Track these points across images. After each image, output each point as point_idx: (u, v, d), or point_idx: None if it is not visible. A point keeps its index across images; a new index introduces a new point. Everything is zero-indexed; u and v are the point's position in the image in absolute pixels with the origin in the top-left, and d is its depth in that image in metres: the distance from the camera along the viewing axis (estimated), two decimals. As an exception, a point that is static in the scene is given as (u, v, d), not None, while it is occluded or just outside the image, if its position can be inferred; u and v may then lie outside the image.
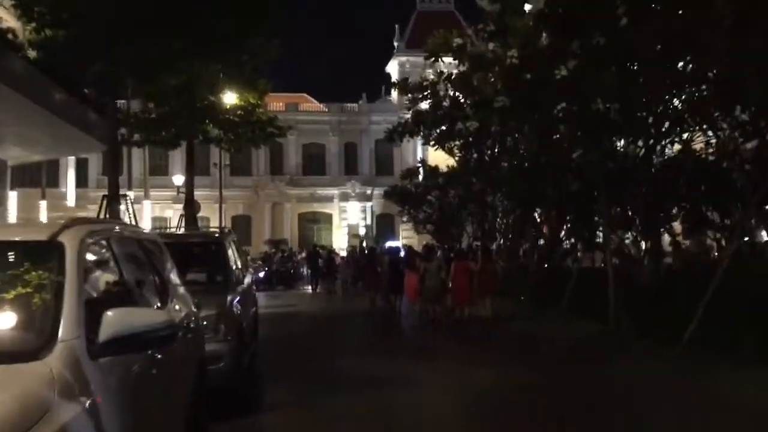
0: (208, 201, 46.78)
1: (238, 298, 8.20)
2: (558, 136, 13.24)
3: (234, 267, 8.81)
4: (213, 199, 46.36)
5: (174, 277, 5.26)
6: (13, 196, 55.74)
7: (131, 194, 35.62)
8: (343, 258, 31.57)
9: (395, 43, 60.02)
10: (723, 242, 13.72)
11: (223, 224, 54.58)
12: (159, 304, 4.21)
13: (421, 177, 29.45)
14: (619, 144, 12.86)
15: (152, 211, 43.48)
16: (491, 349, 12.88)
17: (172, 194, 44.11)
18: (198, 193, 50.76)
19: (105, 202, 15.89)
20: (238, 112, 26.85)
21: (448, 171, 28.30)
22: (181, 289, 5.36)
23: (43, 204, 44.32)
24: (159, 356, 3.45)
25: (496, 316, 15.97)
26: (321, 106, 60.14)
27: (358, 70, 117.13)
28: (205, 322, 6.94)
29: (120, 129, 26.98)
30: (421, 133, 19.93)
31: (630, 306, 12.41)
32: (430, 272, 16.07)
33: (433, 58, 17.78)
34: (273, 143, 55.97)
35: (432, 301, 16.17)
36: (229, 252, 8.71)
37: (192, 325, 4.92)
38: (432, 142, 18.95)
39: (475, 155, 19.44)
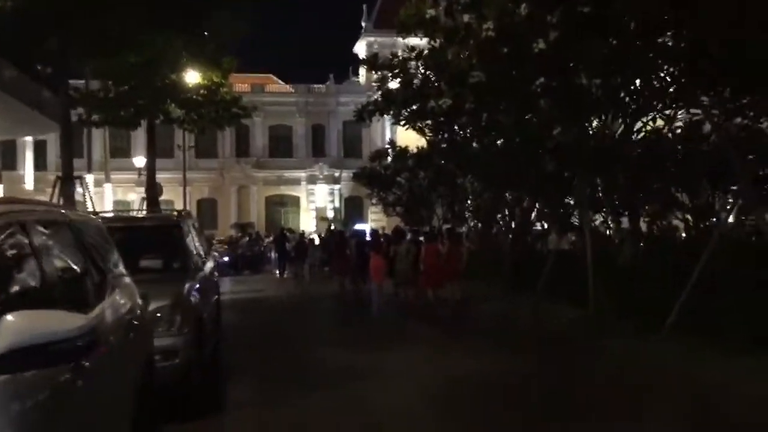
0: (173, 184, 45.60)
1: (196, 286, 7.53)
2: (535, 113, 12.68)
3: (193, 252, 8.12)
4: (177, 181, 45.17)
5: (117, 267, 4.59)
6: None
7: (90, 177, 34.48)
8: (312, 241, 30.94)
9: (363, 23, 58.97)
10: (690, 223, 13.49)
11: (187, 208, 53.64)
12: (93, 300, 3.54)
13: (390, 159, 28.79)
14: (598, 121, 12.38)
15: (114, 194, 42.20)
16: (467, 333, 12.40)
17: (134, 177, 42.88)
18: (162, 176, 49.59)
19: (58, 184, 14.99)
20: (201, 91, 25.87)
21: (418, 152, 27.75)
22: (126, 280, 4.69)
23: (-1, 186, 42.88)
24: (86, 364, 2.81)
25: (465, 299, 15.49)
26: (288, 87, 59.02)
27: (325, 50, 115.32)
28: (158, 314, 6.30)
29: (77, 108, 26.05)
30: (391, 113, 19.14)
31: (610, 289, 11.99)
32: (399, 255, 16.00)
33: (404, 33, 17.07)
34: (239, 125, 55.05)
35: (403, 284, 16.13)
36: (188, 236, 8.02)
37: (135, 321, 4.25)
38: (402, 122, 18.22)
39: (446, 135, 18.72)
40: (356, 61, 63.29)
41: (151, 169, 26.52)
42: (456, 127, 18.08)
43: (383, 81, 19.64)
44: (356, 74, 60.50)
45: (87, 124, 25.82)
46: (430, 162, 26.56)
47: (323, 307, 17.28)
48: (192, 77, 25.41)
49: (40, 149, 54.75)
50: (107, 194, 43.45)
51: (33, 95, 20.03)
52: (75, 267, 3.51)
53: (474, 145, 17.85)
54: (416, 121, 17.99)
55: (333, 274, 22.42)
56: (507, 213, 19.38)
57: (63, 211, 3.69)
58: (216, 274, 10.08)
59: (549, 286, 14.45)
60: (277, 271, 27.78)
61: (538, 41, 10.92)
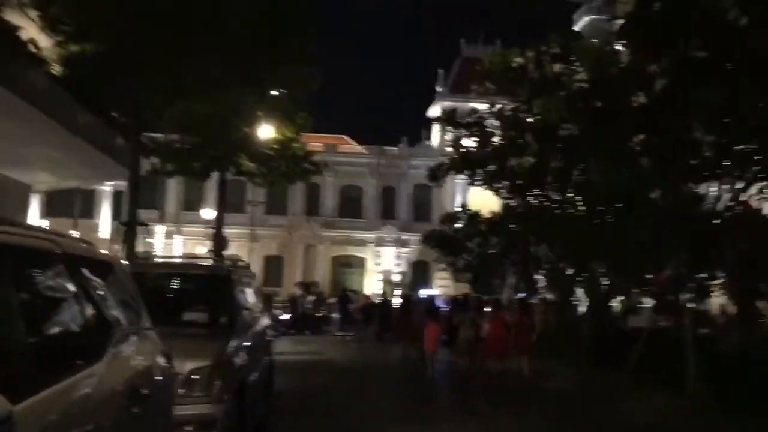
0: (242, 239, 45.73)
1: (244, 346, 6.60)
2: (632, 173, 11.44)
3: (244, 307, 7.20)
4: (246, 237, 45.26)
5: (134, 314, 3.67)
6: (43, 225, 55.52)
7: (161, 228, 34.98)
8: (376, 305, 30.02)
9: (438, 88, 58.96)
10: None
11: (255, 266, 53.51)
12: (88, 353, 2.59)
13: (461, 223, 27.75)
14: (707, 185, 11.07)
15: (184, 246, 42.57)
16: (546, 421, 10.95)
17: (205, 231, 43.06)
18: (231, 231, 50.13)
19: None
20: (274, 146, 25.64)
21: (491, 217, 26.65)
22: (149, 333, 3.76)
23: (73, 234, 43.74)
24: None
25: (532, 375, 14.39)
26: (360, 148, 59.12)
27: (399, 114, 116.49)
28: (195, 376, 5.35)
29: (150, 158, 26.18)
30: (466, 173, 18.17)
31: (713, 376, 10.44)
32: (464, 323, 15.32)
33: (487, 82, 16.20)
34: (310, 183, 56.06)
35: (462, 354, 15.37)
36: (238, 288, 7.14)
37: (147, 386, 3.27)
38: (478, 182, 17.18)
39: (525, 197, 17.47)
40: (429, 125, 63.96)
41: (219, 221, 26.19)
42: (535, 190, 16.87)
43: (458, 141, 18.72)
44: (429, 138, 60.32)
45: (159, 173, 25.82)
46: (503, 227, 25.42)
47: (385, 376, 16.03)
48: (265, 132, 25.25)
49: (117, 199, 56.14)
50: (177, 246, 44.04)
51: (107, 141, 19.99)
52: (65, 311, 2.58)
53: (555, 209, 16.62)
54: (493, 181, 16.89)
55: (397, 340, 21.37)
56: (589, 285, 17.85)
57: (59, 239, 2.79)
58: (270, 333, 9.13)
59: (639, 366, 12.85)
60: (339, 333, 26.58)
61: (639, 94, 9.85)
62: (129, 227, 15.19)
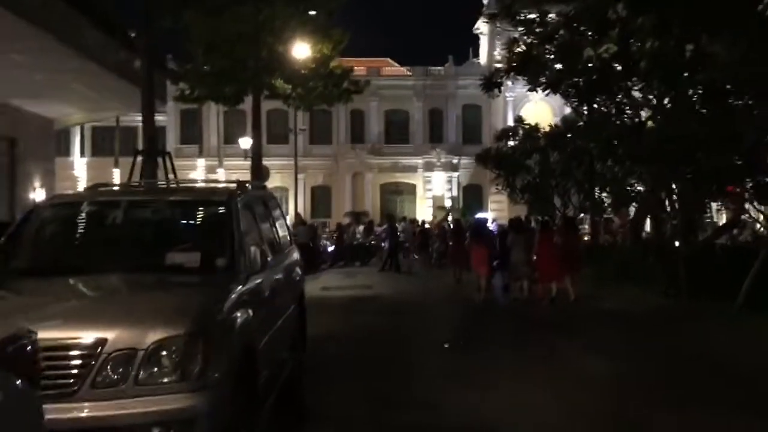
0: (287, 170, 44.14)
1: (253, 295, 4.78)
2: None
3: (256, 242, 5.31)
4: (292, 168, 43.55)
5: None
6: (82, 163, 54.63)
7: (202, 161, 33.54)
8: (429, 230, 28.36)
9: (484, 1, 55.27)
10: None
11: (302, 198, 51.94)
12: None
13: (517, 139, 25.35)
14: None
15: (225, 179, 41.24)
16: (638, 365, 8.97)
17: (247, 163, 41.51)
18: (275, 162, 48.75)
19: (136, 159, 12.81)
20: (310, 64, 23.51)
21: (552, 130, 24.23)
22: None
23: (116, 172, 42.86)
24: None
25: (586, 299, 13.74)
26: (404, 70, 56.25)
27: (444, 32, 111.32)
28: (164, 352, 3.56)
29: (180, 84, 24.41)
30: (524, 78, 15.60)
31: None
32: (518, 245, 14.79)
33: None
34: (353, 111, 53.86)
35: (517, 279, 15.08)
36: (246, 219, 5.27)
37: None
38: (543, 87, 14.71)
39: (602, 100, 14.78)
40: (476, 42, 60.44)
41: (256, 150, 24.38)
42: (616, 90, 14.21)
43: (516, 41, 16.09)
44: (477, 55, 57.03)
45: (189, 100, 24.09)
46: (566, 140, 23.03)
47: (435, 311, 14.13)
48: (301, 51, 23.11)
49: (159, 135, 55.10)
50: (221, 179, 42.74)
51: (123, 64, 17.99)
52: None
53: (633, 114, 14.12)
54: (560, 84, 14.34)
55: (450, 265, 21.05)
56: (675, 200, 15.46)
57: None
58: (298, 271, 7.26)
59: (753, 298, 10.64)
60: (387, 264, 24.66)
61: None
62: (148, 157, 13.44)
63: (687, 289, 12.07)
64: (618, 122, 16.31)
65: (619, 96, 14.08)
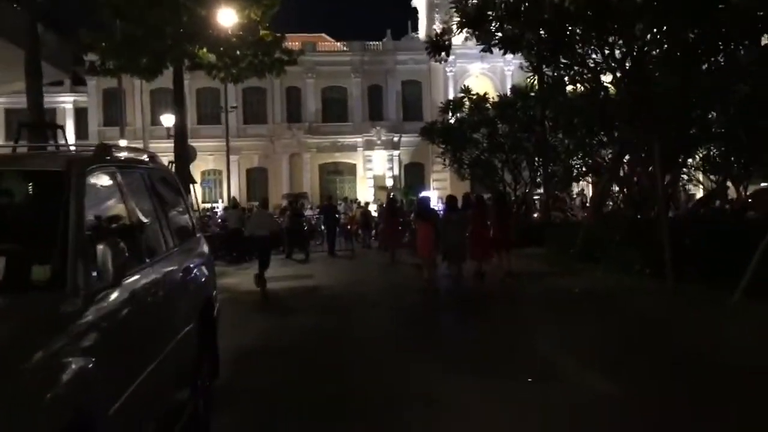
0: (221, 152, 41.56)
1: (84, 333, 2.82)
2: None
3: (111, 241, 3.28)
4: (224, 150, 40.92)
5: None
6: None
7: (123, 143, 30.68)
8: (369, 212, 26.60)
9: (423, -29, 53.47)
10: None
11: (236, 180, 48.94)
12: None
13: (463, 111, 23.65)
14: None
15: (152, 163, 38.40)
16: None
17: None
18: (207, 144, 46.16)
19: (20, 134, 10.50)
20: (237, 32, 21.20)
21: (504, 100, 22.68)
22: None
23: None
24: None
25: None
26: (340, 45, 53.94)
27: (381, 5, 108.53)
28: None
29: (86, 55, 21.81)
30: (473, 33, 13.65)
31: None
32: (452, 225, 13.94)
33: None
34: (289, 88, 51.31)
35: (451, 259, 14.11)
36: (97, 203, 3.30)
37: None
38: (498, 43, 12.92)
39: (556, 65, 13.13)
40: (414, 17, 58.51)
41: (179, 128, 22.02)
42: (580, 49, 12.56)
43: None
44: (416, 30, 55.17)
45: (101, 74, 21.55)
46: (516, 112, 21.54)
47: (383, 301, 12.44)
48: (226, 16, 20.78)
49: (81, 118, 51.48)
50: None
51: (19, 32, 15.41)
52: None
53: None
54: (520, 41, 12.49)
55: (380, 246, 20.82)
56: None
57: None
58: (204, 271, 5.27)
59: (755, 286, 9.03)
60: (326, 249, 22.71)
61: None
62: (33, 130, 11.14)
63: (673, 271, 10.52)
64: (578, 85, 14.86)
65: (582, 55, 12.45)
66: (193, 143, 34.86)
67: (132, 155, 4.68)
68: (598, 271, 13.18)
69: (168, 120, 25.60)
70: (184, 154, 22.22)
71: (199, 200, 42.98)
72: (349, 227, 25.96)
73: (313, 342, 8.72)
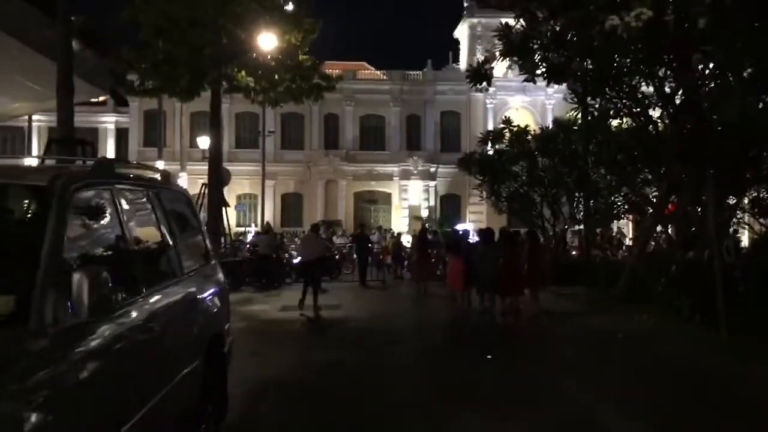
0: (257, 177, 41.53)
1: (54, 377, 2.33)
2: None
3: (92, 267, 2.80)
4: (265, 175, 40.83)
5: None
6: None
7: (160, 164, 30.80)
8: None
9: (465, 3, 53.34)
10: None
11: (271, 205, 48.68)
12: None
13: (503, 143, 23.08)
14: None
15: (188, 185, 38.43)
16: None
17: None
18: (244, 168, 46.17)
19: (49, 149, 10.25)
20: (275, 55, 21.08)
21: (543, 132, 22.07)
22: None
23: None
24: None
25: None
26: (380, 74, 53.92)
27: (423, 37, 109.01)
28: None
29: (127, 75, 21.82)
30: (518, 62, 13.15)
31: None
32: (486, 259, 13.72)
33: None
34: (327, 115, 51.26)
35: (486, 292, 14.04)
36: (84, 223, 2.85)
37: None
38: (543, 72, 12.32)
39: (619, 92, 12.40)
40: (457, 47, 58.25)
41: (215, 150, 21.87)
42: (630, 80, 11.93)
43: (509, 29, 13.76)
44: (456, 61, 54.96)
45: (138, 94, 21.56)
46: (558, 145, 20.91)
47: (414, 337, 11.85)
48: (266, 40, 20.68)
49: (122, 138, 52.11)
50: (182, 185, 39.88)
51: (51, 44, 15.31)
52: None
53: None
54: (565, 70, 11.91)
55: (412, 279, 20.19)
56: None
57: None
58: (215, 302, 4.75)
59: None
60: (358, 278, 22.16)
61: None
62: (62, 145, 10.89)
63: (726, 320, 9.71)
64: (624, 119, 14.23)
65: (632, 87, 11.81)
66: (230, 167, 34.80)
67: (140, 172, 4.23)
68: (642, 315, 12.39)
69: (204, 142, 25.43)
70: (218, 177, 22.05)
71: (233, 224, 42.98)
72: (381, 257, 25.45)
73: (334, 380, 8.13)
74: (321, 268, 16.49)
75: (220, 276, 5.32)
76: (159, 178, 4.52)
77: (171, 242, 4.13)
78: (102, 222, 3.25)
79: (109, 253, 3.17)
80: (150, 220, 3.92)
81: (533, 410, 6.73)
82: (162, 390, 3.38)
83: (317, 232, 17.64)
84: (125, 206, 3.54)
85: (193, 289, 4.30)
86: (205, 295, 4.59)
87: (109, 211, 3.32)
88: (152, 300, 3.48)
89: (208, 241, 5.25)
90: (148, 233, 3.82)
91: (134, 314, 3.16)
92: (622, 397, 7.22)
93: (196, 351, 4.07)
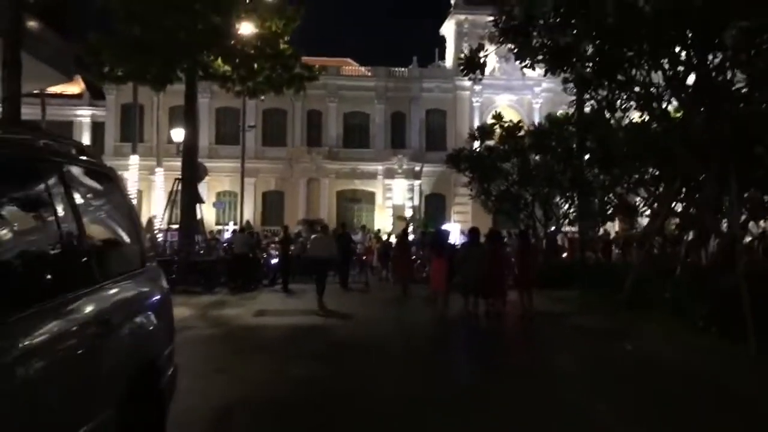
0: (238, 174, 40.10)
1: None
2: None
3: None
4: (244, 171, 39.41)
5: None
6: None
7: (134, 158, 29.43)
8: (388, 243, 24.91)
9: (452, 0, 52.30)
10: None
11: (251, 203, 47.10)
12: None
13: (492, 140, 22.03)
14: None
15: (165, 181, 36.91)
16: None
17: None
18: (224, 164, 44.74)
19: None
20: (255, 42, 19.87)
21: (537, 128, 21.06)
22: None
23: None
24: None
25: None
26: (365, 70, 52.70)
27: (408, 34, 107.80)
28: None
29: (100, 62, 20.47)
30: (514, 49, 12.03)
31: None
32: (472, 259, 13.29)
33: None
34: (310, 111, 49.86)
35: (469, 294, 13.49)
36: None
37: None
38: (542, 58, 11.22)
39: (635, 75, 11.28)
40: (443, 44, 57.12)
41: (189, 143, 20.61)
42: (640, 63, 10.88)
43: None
44: (442, 58, 53.87)
45: (108, 81, 20.27)
46: (551, 142, 19.90)
47: (399, 345, 10.72)
48: (245, 26, 19.48)
49: (98, 131, 50.35)
50: (158, 182, 38.18)
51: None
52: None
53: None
54: (570, 56, 10.80)
55: (394, 279, 20.10)
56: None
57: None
58: (150, 319, 3.58)
59: None
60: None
61: None
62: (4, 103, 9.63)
63: (755, 332, 8.63)
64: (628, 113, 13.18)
65: (647, 72, 10.73)
66: (209, 163, 33.37)
67: (44, 141, 3.04)
68: (651, 325, 11.33)
69: (178, 135, 23.95)
70: (193, 172, 20.80)
71: (212, 222, 41.40)
72: (364, 258, 24.32)
73: (308, 397, 6.96)
74: (330, 268, 17.35)
75: (162, 283, 4.13)
76: (73, 151, 3.33)
77: (77, 237, 2.94)
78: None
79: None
80: (44, 206, 2.73)
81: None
82: None
83: (327, 232, 18.20)
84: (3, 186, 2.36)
85: (107, 305, 3.09)
86: (132, 310, 3.40)
87: None
88: (31, 320, 2.30)
89: (143, 237, 4.07)
90: (37, 225, 2.64)
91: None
92: (640, 420, 6.12)
93: (103, 398, 2.87)
